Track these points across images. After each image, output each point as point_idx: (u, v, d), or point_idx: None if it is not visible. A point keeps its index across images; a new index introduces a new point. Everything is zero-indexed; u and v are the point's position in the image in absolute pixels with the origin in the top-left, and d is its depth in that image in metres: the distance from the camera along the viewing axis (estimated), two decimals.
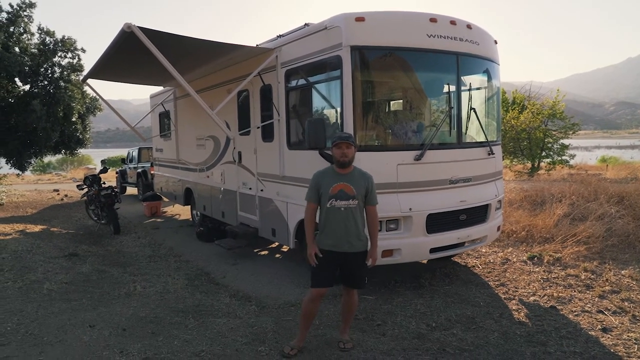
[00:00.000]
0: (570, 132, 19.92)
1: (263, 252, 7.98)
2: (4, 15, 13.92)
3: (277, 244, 8.06)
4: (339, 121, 5.29)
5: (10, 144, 13.81)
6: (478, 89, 6.07)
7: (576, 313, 4.93)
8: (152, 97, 12.20)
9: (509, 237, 7.92)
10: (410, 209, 5.14)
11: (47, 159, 24.87)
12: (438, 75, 5.81)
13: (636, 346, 4.17)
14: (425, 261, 6.67)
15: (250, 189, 7.28)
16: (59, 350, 3.99)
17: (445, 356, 4.00)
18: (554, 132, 20.01)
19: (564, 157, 19.96)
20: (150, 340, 4.21)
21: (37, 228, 9.79)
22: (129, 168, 17.12)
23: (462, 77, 5.65)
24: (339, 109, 5.27)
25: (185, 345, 4.13)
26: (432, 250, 5.42)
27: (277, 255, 7.78)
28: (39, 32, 14.63)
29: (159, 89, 11.55)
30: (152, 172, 14.08)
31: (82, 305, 5.10)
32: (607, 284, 5.69)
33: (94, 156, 44.80)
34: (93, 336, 4.25)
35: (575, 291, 5.55)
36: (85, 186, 10.79)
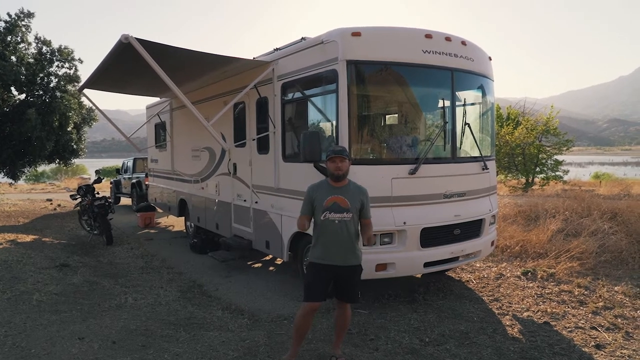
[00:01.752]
0: (564, 148, 20.11)
1: (257, 265, 7.93)
2: (2, 24, 13.98)
3: (271, 256, 8.02)
4: (334, 134, 5.31)
5: (4, 153, 13.76)
6: (472, 104, 6.13)
7: (570, 329, 4.92)
8: (148, 108, 12.22)
9: (503, 252, 7.92)
10: (404, 223, 5.14)
11: (41, 168, 24.76)
12: (433, 91, 5.86)
13: None
14: (419, 275, 6.65)
15: (244, 200, 7.27)
16: None
17: None
18: (548, 148, 20.19)
19: (557, 173, 20.11)
20: (141, 353, 4.15)
21: (28, 238, 9.70)
22: (124, 178, 17.06)
23: (456, 93, 5.70)
24: (334, 122, 5.29)
25: (176, 358, 4.08)
26: (426, 265, 5.41)
27: (271, 268, 7.73)
28: (36, 41, 14.69)
29: (156, 99, 11.58)
30: (146, 182, 14.03)
31: (72, 317, 5.03)
32: (600, 300, 5.69)
33: (89, 166, 44.70)
34: (82, 349, 4.18)
35: (568, 307, 5.54)
36: (78, 196, 10.73)
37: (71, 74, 15.07)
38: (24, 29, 14.40)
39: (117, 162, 26.92)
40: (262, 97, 6.57)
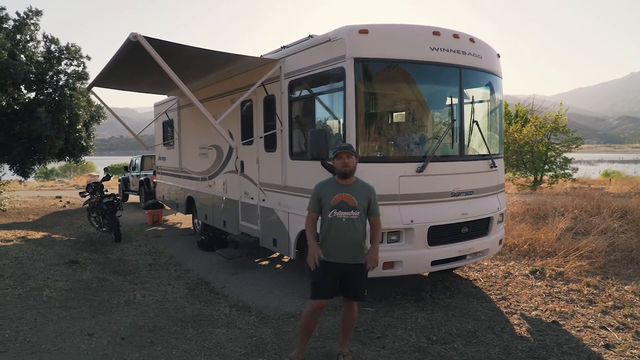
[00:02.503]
0: (573, 146, 19.91)
1: (264, 262, 7.96)
2: (11, 23, 14.07)
3: (278, 254, 8.04)
4: (341, 132, 5.31)
5: (14, 151, 13.88)
6: (480, 101, 6.09)
7: (578, 329, 4.88)
8: (156, 105, 12.28)
9: (511, 251, 7.88)
10: (412, 221, 5.13)
11: (51, 165, 24.97)
12: (441, 88, 5.83)
13: None
14: (426, 274, 6.63)
15: (252, 198, 7.28)
16: (57, 358, 3.96)
17: None
18: (556, 146, 20.01)
19: (566, 171, 19.93)
20: (149, 349, 4.18)
21: (38, 235, 9.80)
22: (132, 176, 17.17)
23: (464, 90, 5.67)
24: (341, 120, 5.29)
25: (183, 355, 4.10)
26: (434, 263, 5.40)
27: (278, 266, 7.75)
28: (44, 39, 14.77)
29: (163, 97, 11.62)
30: (154, 180, 14.11)
31: (81, 313, 5.08)
32: (609, 299, 5.64)
33: (97, 164, 44.99)
34: (91, 345, 4.23)
35: (577, 306, 5.50)
36: (87, 193, 10.81)
37: (79, 72, 15.15)
38: (32, 27, 14.49)
39: (125, 160, 27.08)
40: (270, 94, 6.57)
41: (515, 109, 22.88)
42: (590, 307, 5.48)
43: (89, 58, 15.42)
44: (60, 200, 17.57)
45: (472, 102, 5.82)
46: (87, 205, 10.92)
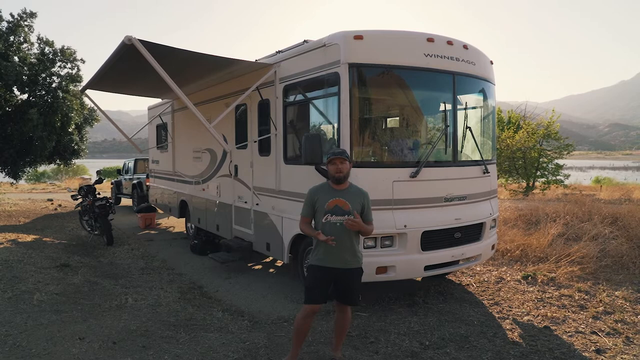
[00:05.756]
0: (565, 153, 20.07)
1: (257, 267, 7.94)
2: (4, 24, 14.01)
3: (271, 258, 8.02)
4: (335, 137, 5.32)
5: (5, 153, 13.79)
6: (474, 108, 6.14)
7: (570, 334, 4.91)
8: (150, 109, 12.25)
9: (504, 256, 7.92)
10: (405, 226, 5.15)
11: (42, 168, 24.79)
12: (434, 94, 5.88)
13: None
14: (419, 279, 6.65)
15: (245, 202, 7.28)
16: None
17: None
18: (548, 152, 20.16)
19: (558, 177, 20.08)
20: (141, 354, 4.16)
21: (29, 238, 9.71)
22: (125, 179, 17.08)
23: (458, 96, 5.71)
24: (335, 125, 5.31)
25: (176, 359, 4.08)
26: (427, 268, 5.41)
27: (271, 270, 7.73)
28: (39, 41, 14.73)
29: (157, 101, 11.60)
30: (147, 183, 14.05)
31: (72, 317, 5.04)
32: (600, 304, 5.69)
33: (90, 166, 44.74)
34: (82, 349, 4.19)
35: (569, 311, 5.54)
36: (79, 196, 10.74)
37: (73, 74, 15.10)
38: (26, 29, 14.44)
39: (118, 163, 26.97)
40: (264, 99, 6.59)
41: (508, 116, 23.06)
42: (582, 312, 5.52)
43: (83, 61, 15.41)
44: (52, 203, 17.42)
45: (466, 108, 5.87)
46: (79, 208, 10.85)
